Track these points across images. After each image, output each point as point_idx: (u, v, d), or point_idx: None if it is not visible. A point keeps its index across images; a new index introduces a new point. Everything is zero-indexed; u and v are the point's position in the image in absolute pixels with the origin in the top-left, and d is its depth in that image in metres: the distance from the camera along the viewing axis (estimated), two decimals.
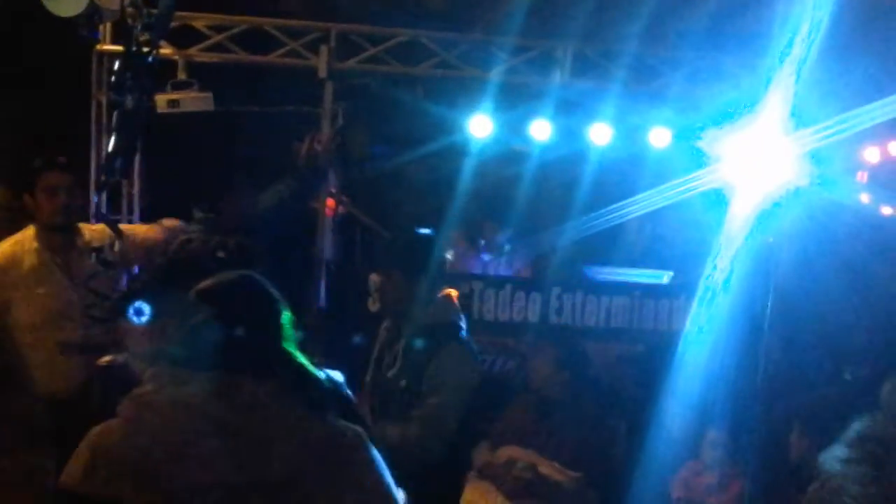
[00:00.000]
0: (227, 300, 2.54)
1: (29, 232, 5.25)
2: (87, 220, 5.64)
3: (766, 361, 5.25)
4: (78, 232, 5.33)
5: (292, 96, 6.88)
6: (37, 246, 5.18)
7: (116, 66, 5.37)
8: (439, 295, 4.35)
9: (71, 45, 6.08)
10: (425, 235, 4.45)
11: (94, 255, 5.20)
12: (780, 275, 6.03)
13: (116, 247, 5.28)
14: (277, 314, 2.60)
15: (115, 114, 5.27)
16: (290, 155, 7.00)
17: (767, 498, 4.66)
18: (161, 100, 6.24)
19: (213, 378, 2.42)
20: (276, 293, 2.64)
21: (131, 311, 2.65)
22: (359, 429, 2.65)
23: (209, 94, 6.38)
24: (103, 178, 5.60)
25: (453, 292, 4.41)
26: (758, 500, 4.77)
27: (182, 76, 6.48)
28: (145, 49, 5.31)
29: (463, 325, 4.32)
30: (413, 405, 4.17)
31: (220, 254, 3.70)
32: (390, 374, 4.31)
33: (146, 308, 2.85)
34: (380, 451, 2.78)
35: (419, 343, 4.23)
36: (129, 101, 5.11)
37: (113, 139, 5.24)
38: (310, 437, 2.51)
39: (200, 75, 6.50)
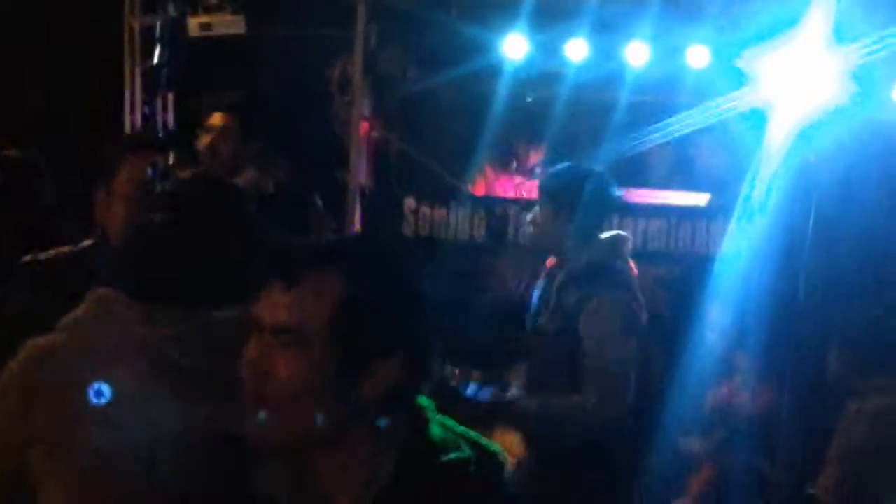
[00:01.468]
0: None
1: None
2: None
3: (805, 281, 5.21)
4: None
5: (324, 19, 6.80)
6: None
7: None
8: (603, 236, 4.21)
9: None
10: (581, 170, 4.30)
11: None
12: (820, 194, 5.95)
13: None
14: None
15: (157, 25, 5.21)
16: (323, 79, 6.96)
17: (801, 411, 4.64)
18: (193, 22, 6.21)
19: None
20: None
21: None
22: None
23: (241, 17, 6.33)
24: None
25: (622, 234, 4.29)
26: (789, 416, 4.76)
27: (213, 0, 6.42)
28: None
29: (623, 268, 4.16)
30: (569, 360, 4.02)
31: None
32: (542, 320, 4.20)
33: None
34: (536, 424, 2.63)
35: (572, 286, 4.09)
36: (172, 9, 5.04)
37: (158, 50, 5.19)
38: None
39: None
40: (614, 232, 4.31)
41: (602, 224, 4.24)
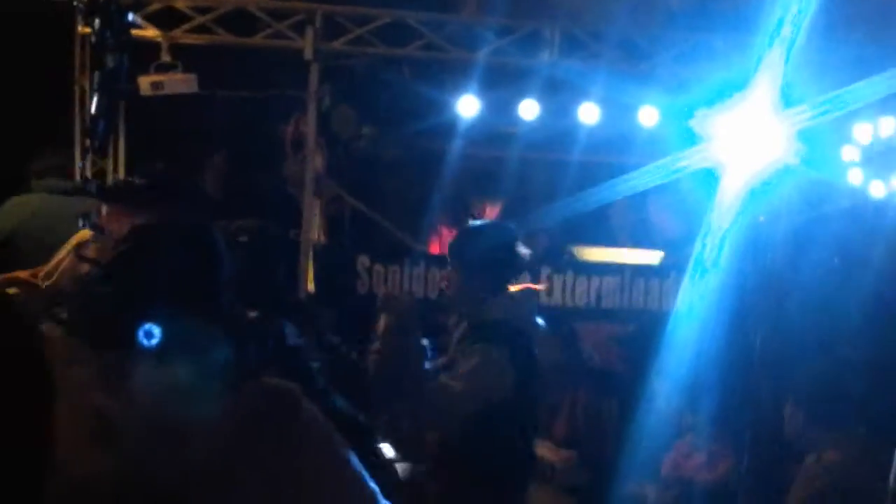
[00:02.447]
0: None
1: None
2: None
3: (756, 338, 5.24)
4: None
5: (277, 79, 6.82)
6: None
7: (96, 24, 5.29)
8: (511, 290, 4.22)
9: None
10: (484, 230, 4.35)
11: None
12: (770, 253, 6.02)
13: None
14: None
15: (96, 74, 5.19)
16: (277, 138, 6.96)
17: (760, 473, 4.64)
18: (144, 82, 6.17)
19: None
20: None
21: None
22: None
23: (193, 77, 6.31)
24: (87, 141, 5.47)
25: (536, 286, 4.30)
26: (749, 475, 4.75)
27: (166, 58, 6.40)
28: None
29: (520, 325, 4.16)
30: None
31: (243, 238, 3.59)
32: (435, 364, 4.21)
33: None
34: None
35: (467, 341, 4.11)
36: (110, 61, 5.02)
37: (95, 100, 5.15)
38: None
39: (184, 57, 6.43)
40: (524, 286, 4.31)
41: (508, 280, 4.26)
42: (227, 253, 2.50)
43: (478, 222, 4.40)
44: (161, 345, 2.23)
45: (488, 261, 4.14)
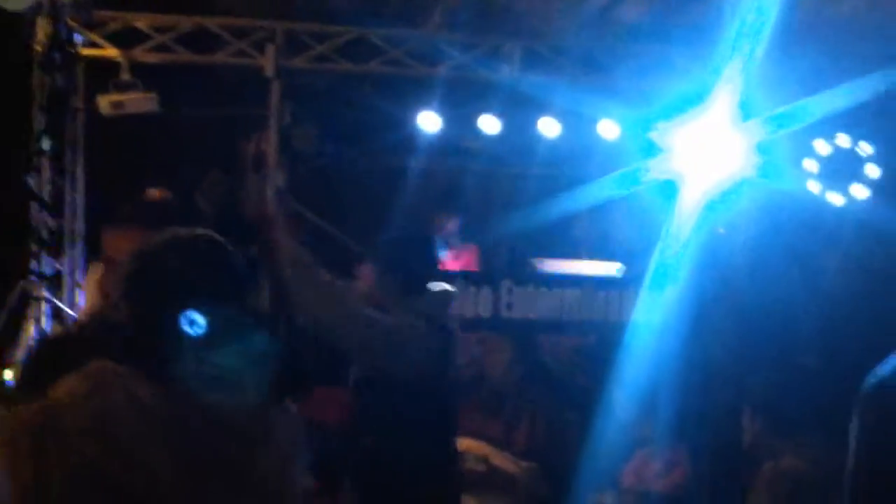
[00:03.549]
0: None
1: None
2: None
3: (715, 348, 5.28)
4: None
5: (239, 97, 6.82)
6: None
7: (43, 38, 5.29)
8: (435, 288, 4.28)
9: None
10: (407, 236, 4.44)
11: None
12: (729, 264, 6.07)
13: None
14: None
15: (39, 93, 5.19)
16: (238, 156, 6.95)
17: (717, 481, 4.67)
18: (104, 101, 6.16)
19: None
20: None
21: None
22: None
23: (153, 95, 6.30)
24: (31, 157, 5.46)
25: (451, 288, 4.35)
26: (707, 483, 4.78)
27: (125, 77, 6.40)
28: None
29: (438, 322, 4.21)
30: None
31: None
32: None
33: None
34: None
35: None
36: (59, 79, 5.02)
37: (40, 116, 5.15)
38: None
39: (145, 77, 6.42)
40: (441, 287, 4.35)
41: (424, 283, 4.31)
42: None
43: (404, 229, 4.46)
44: (206, 333, 2.28)
45: (412, 264, 4.22)
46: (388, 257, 4.26)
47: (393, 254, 4.27)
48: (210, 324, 2.27)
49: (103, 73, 6.27)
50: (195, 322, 2.25)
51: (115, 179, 6.57)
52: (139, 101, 6.29)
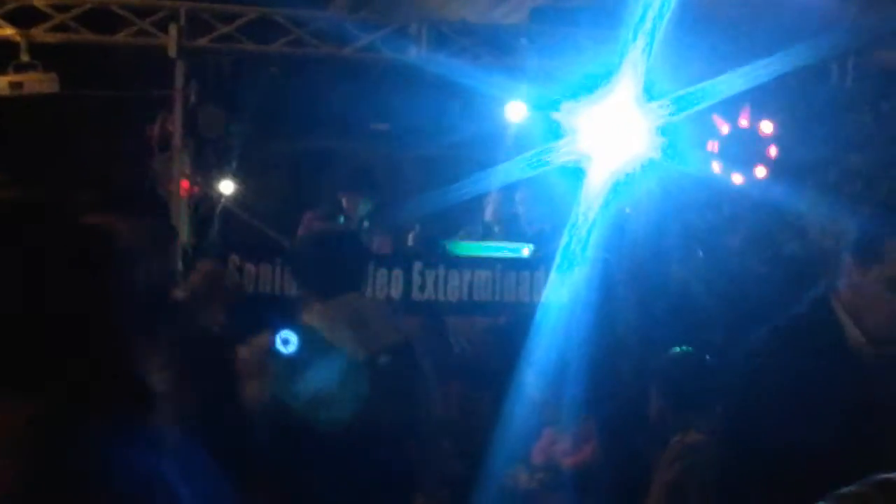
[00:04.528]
0: None
1: None
2: None
3: (621, 327, 5.36)
4: None
5: (143, 78, 6.70)
6: None
7: None
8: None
9: None
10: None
11: None
12: (634, 244, 6.17)
13: None
14: None
15: None
16: (143, 139, 6.84)
17: (625, 457, 4.75)
18: (3, 81, 6.02)
19: None
20: None
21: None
22: None
23: (54, 76, 6.17)
24: None
25: None
26: (612, 458, 4.86)
27: (25, 58, 6.23)
28: None
29: None
30: None
31: None
32: None
33: None
34: None
35: None
36: None
37: None
38: None
39: (44, 57, 6.27)
40: None
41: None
42: None
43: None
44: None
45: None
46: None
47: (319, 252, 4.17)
48: None
49: (2, 54, 6.11)
50: (288, 341, 2.27)
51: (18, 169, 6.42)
52: (39, 82, 6.15)
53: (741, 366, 3.23)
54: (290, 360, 2.29)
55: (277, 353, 2.28)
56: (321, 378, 2.32)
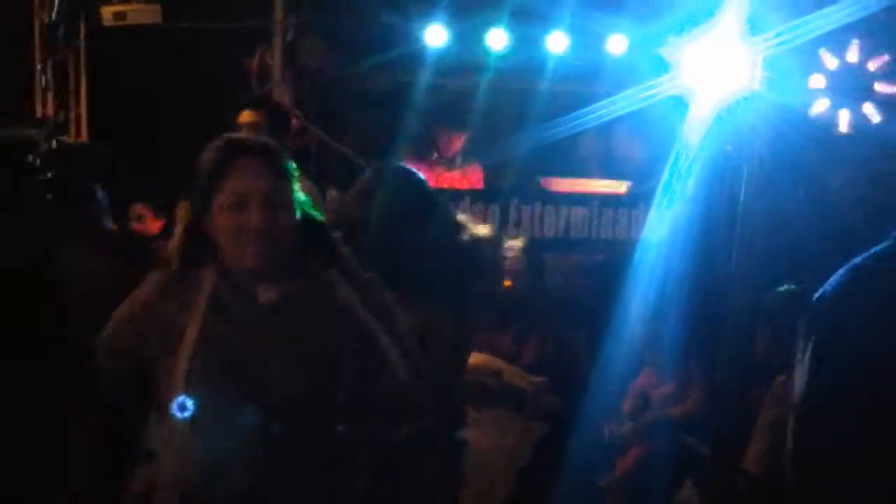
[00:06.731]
0: None
1: None
2: None
3: (724, 265, 5.28)
4: None
5: (242, 8, 6.71)
6: None
7: None
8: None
9: None
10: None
11: None
12: (736, 181, 6.05)
13: None
14: None
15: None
16: (242, 71, 6.88)
17: (731, 397, 4.69)
18: (107, 12, 6.10)
19: None
20: None
21: None
22: None
23: (157, 6, 6.23)
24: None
25: None
26: (716, 399, 4.82)
27: None
28: None
29: None
30: None
31: None
32: None
33: None
34: None
35: None
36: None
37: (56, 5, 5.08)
38: None
39: None
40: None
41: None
42: None
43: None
44: None
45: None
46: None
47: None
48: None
49: None
50: (185, 406, 2.24)
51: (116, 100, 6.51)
52: (142, 13, 6.21)
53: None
54: None
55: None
56: None
